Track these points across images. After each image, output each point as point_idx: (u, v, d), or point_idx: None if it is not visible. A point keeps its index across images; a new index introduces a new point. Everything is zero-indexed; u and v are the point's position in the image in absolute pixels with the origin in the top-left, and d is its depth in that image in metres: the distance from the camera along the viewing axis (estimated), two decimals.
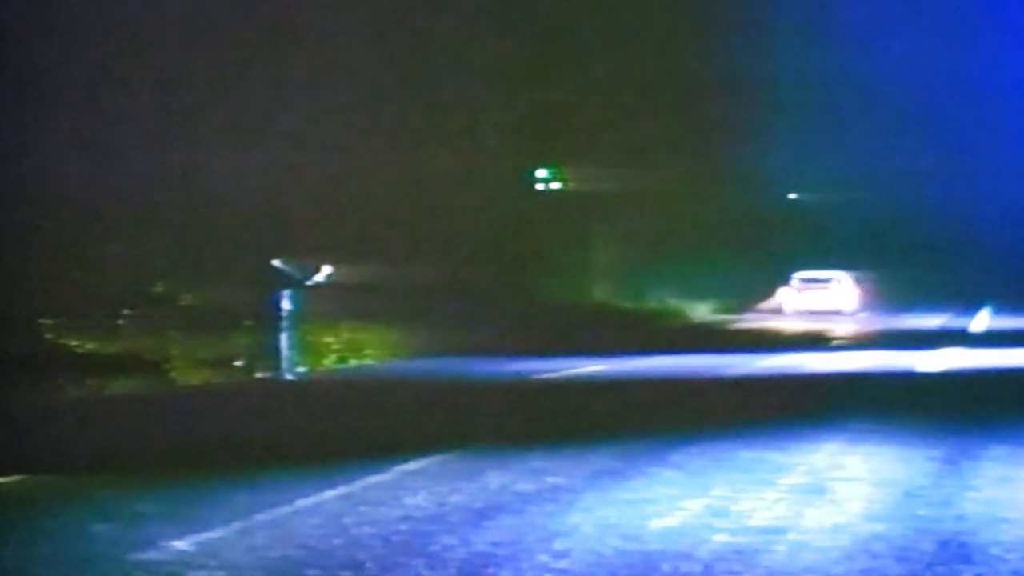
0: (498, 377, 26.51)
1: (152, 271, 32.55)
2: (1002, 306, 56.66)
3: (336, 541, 10.31)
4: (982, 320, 50.40)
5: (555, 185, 57.71)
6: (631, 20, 58.22)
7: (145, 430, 18.87)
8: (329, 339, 31.54)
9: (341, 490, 12.58)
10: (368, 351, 32.14)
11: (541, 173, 56.92)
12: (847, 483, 12.88)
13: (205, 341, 28.77)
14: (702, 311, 55.63)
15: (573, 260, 54.93)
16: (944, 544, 10.06)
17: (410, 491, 12.44)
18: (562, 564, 9.48)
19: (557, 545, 10.05)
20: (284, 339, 27.03)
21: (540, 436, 16.78)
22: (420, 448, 15.16)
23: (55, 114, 31.90)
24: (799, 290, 58.96)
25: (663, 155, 60.42)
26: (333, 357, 30.97)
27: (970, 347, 34.63)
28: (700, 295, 56.60)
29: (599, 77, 56.99)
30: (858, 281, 60.95)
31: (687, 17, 60.58)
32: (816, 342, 38.24)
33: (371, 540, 10.34)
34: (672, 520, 11.02)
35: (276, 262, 27.27)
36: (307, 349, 29.05)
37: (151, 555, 9.88)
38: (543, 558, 9.64)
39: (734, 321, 52.46)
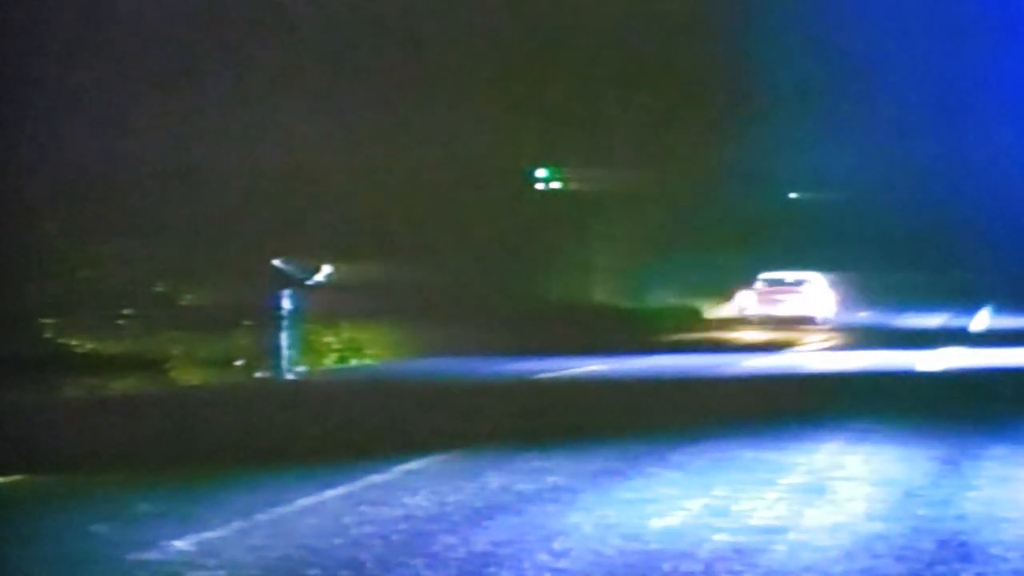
0: (498, 377, 26.51)
1: (152, 271, 32.54)
2: (1002, 306, 56.65)
3: (336, 541, 10.32)
4: (982, 320, 50.40)
5: (555, 185, 57.69)
6: (631, 20, 58.22)
7: (145, 430, 18.87)
8: (329, 339, 31.55)
9: (341, 490, 12.58)
10: (368, 351, 32.15)
11: (541, 173, 56.91)
12: (847, 483, 12.89)
13: (205, 341, 28.77)
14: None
15: (573, 260, 54.92)
16: (944, 544, 10.06)
17: (410, 491, 12.44)
18: (562, 564, 9.48)
19: (557, 545, 10.06)
20: (284, 339, 27.03)
21: (540, 436, 16.78)
22: (420, 448, 15.16)
23: (55, 114, 31.89)
24: (761, 293, 52.09)
25: (663, 155, 60.40)
26: (333, 357, 30.98)
27: (970, 347, 34.63)
28: (699, 295, 56.59)
29: (599, 77, 56.97)
30: (833, 283, 54.67)
31: (687, 17, 60.58)
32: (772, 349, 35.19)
33: (371, 540, 10.34)
34: (672, 520, 11.02)
35: (276, 262, 27.25)
36: (307, 349, 29.06)
37: (151, 555, 9.88)
38: (543, 558, 9.64)
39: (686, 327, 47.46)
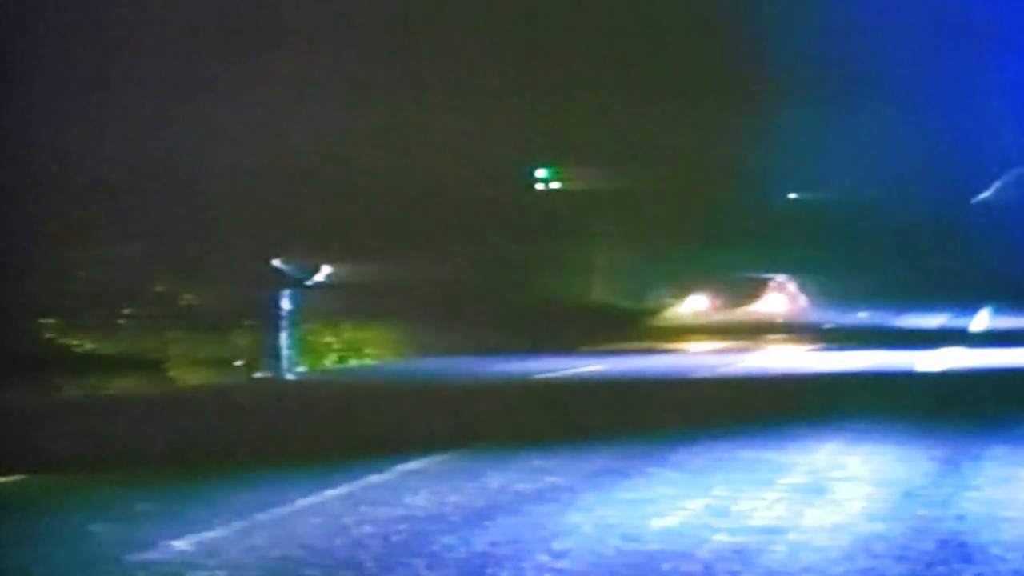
0: (498, 377, 26.50)
1: (152, 271, 32.55)
2: (1002, 306, 56.62)
3: (336, 541, 10.32)
4: (982, 320, 50.39)
5: (555, 185, 57.71)
6: (632, 20, 58.23)
7: (145, 430, 18.87)
8: (329, 339, 31.57)
9: (341, 490, 12.58)
10: (368, 351, 32.16)
11: (541, 173, 56.93)
12: (847, 483, 12.88)
13: (205, 341, 28.79)
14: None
15: (573, 260, 54.92)
16: (944, 544, 10.05)
17: (410, 491, 12.44)
18: (562, 564, 9.48)
19: (557, 545, 10.05)
20: (284, 339, 27.04)
21: (540, 436, 16.78)
22: (420, 448, 15.16)
23: (55, 114, 31.89)
24: (717, 295, 47.64)
25: (663, 155, 60.40)
26: (333, 357, 30.99)
27: (970, 347, 34.62)
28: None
29: (599, 77, 56.97)
30: (803, 284, 50.09)
31: (688, 17, 60.58)
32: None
33: (371, 540, 10.34)
34: (672, 520, 11.02)
35: (276, 262, 27.27)
36: (307, 349, 29.07)
37: (151, 555, 9.88)
38: (543, 558, 9.64)
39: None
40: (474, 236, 46.50)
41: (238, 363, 27.75)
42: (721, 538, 10.27)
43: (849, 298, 59.54)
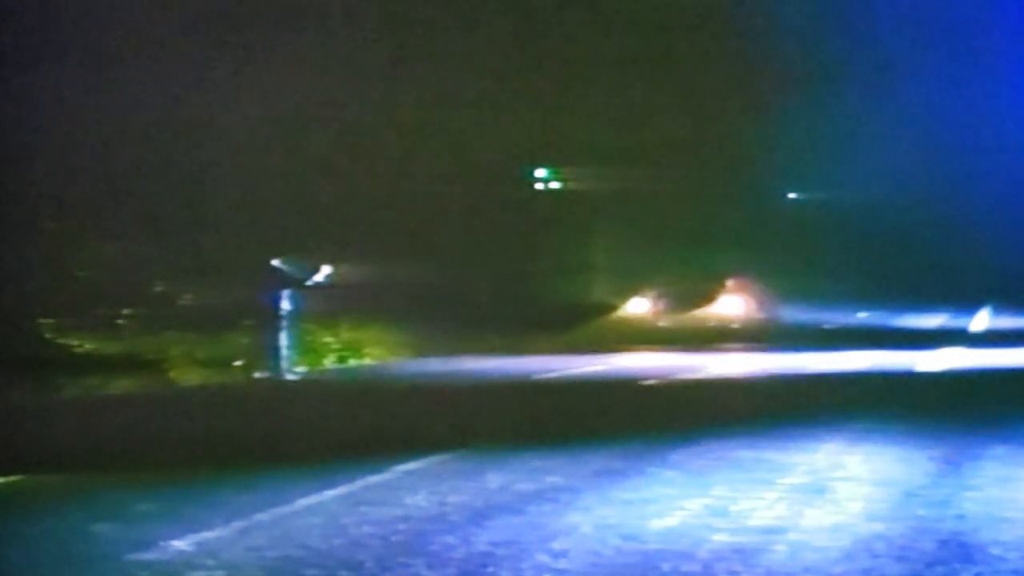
0: (498, 377, 26.50)
1: (152, 271, 32.55)
2: (1002, 306, 56.61)
3: (336, 541, 10.31)
4: (982, 320, 50.37)
5: (555, 185, 57.69)
6: (632, 20, 58.21)
7: (145, 430, 18.87)
8: (329, 339, 31.57)
9: (341, 490, 12.58)
10: (368, 351, 32.17)
11: (541, 173, 56.91)
12: (847, 483, 12.88)
13: (205, 341, 28.79)
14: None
15: (573, 260, 54.88)
16: (944, 544, 10.05)
17: (410, 491, 12.44)
18: (561, 564, 9.48)
19: (556, 545, 10.05)
20: (284, 339, 27.04)
21: (540, 436, 16.79)
22: (420, 448, 15.16)
23: (55, 113, 31.89)
24: (664, 298, 42.75)
25: (663, 155, 60.37)
26: (333, 357, 30.99)
27: (970, 347, 34.62)
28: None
29: (599, 77, 56.95)
30: (764, 285, 45.04)
31: (688, 16, 60.57)
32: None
33: (371, 540, 10.34)
34: (672, 520, 11.01)
35: (276, 262, 27.27)
36: (307, 349, 29.07)
37: (151, 555, 9.88)
38: (542, 558, 9.64)
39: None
40: (474, 236, 46.48)
41: (238, 363, 27.75)
42: (721, 538, 10.27)
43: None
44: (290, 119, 39.74)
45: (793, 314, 50.53)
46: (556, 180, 57.66)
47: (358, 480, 13.09)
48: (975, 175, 73.42)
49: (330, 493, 12.41)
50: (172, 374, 26.51)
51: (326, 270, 27.70)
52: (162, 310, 31.02)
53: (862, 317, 54.04)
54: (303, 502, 11.95)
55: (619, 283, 54.98)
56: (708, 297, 43.51)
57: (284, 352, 27.04)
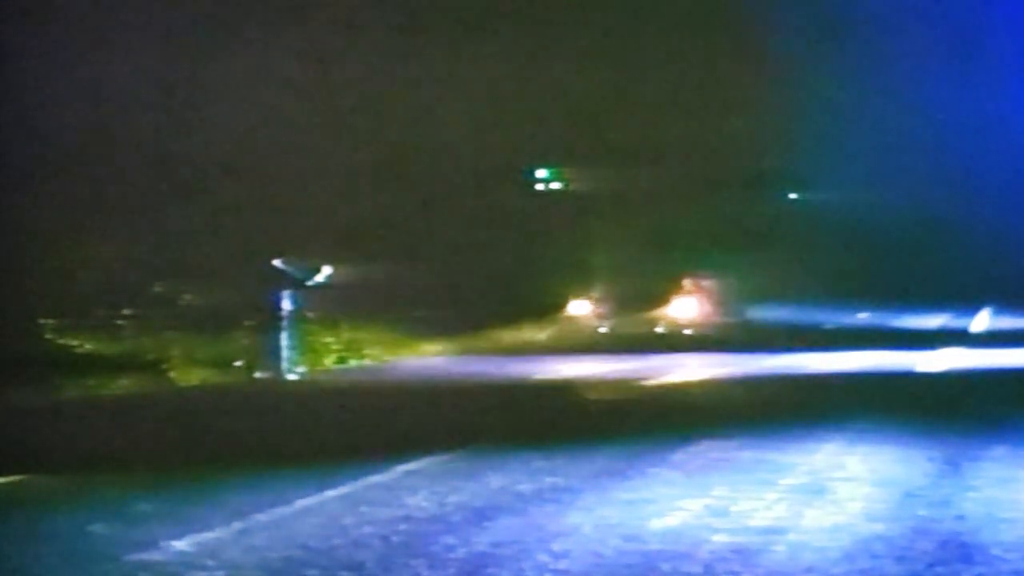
0: (498, 377, 26.49)
1: (152, 271, 32.56)
2: (1002, 307, 56.60)
3: (336, 541, 10.31)
4: (982, 321, 50.37)
5: (555, 185, 57.69)
6: (632, 20, 58.22)
7: (145, 430, 18.87)
8: (329, 339, 31.57)
9: (341, 490, 12.58)
10: (368, 351, 32.17)
11: (541, 173, 56.91)
12: (847, 483, 12.88)
13: (205, 341, 28.80)
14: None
15: (573, 260, 54.87)
16: (944, 544, 10.05)
17: (410, 491, 12.43)
18: (562, 564, 9.48)
19: (557, 545, 10.05)
20: (284, 339, 27.04)
21: (540, 436, 16.78)
22: (420, 448, 15.16)
23: (55, 113, 31.89)
24: (607, 299, 38.56)
25: (663, 155, 60.37)
26: (333, 357, 30.99)
27: (970, 347, 34.62)
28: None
29: (599, 77, 56.95)
30: (717, 287, 41.02)
31: (689, 16, 60.57)
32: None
33: (371, 540, 10.34)
34: (672, 520, 11.01)
35: (277, 262, 27.28)
36: (307, 349, 29.06)
37: (151, 555, 9.88)
38: (543, 558, 9.64)
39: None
40: (474, 236, 46.48)
41: (238, 363, 27.76)
42: (721, 538, 10.27)
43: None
44: (290, 119, 39.75)
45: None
46: (556, 180, 57.66)
47: (358, 480, 13.09)
48: (975, 175, 73.44)
49: (330, 493, 12.41)
50: (172, 374, 26.52)
51: (327, 271, 27.68)
52: (162, 310, 31.04)
53: (862, 317, 54.05)
54: (303, 502, 11.95)
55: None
56: (659, 298, 38.61)
57: (284, 352, 27.04)
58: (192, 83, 36.78)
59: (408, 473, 13.67)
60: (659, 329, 36.46)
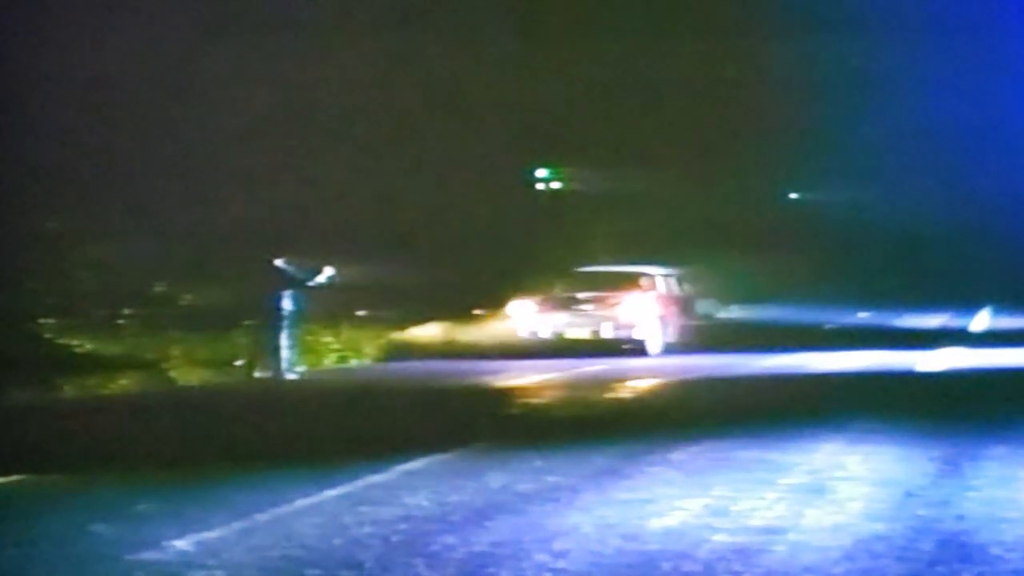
0: (498, 377, 26.48)
1: (152, 271, 32.57)
2: (1002, 307, 56.60)
3: (336, 541, 10.32)
4: (982, 320, 50.36)
5: (555, 185, 57.72)
6: (632, 20, 58.23)
7: (145, 430, 18.88)
8: (329, 339, 31.58)
9: (341, 490, 12.58)
10: (368, 351, 32.18)
11: (541, 173, 56.94)
12: (847, 483, 12.88)
13: (205, 341, 28.82)
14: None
15: (573, 260, 54.86)
16: (944, 544, 10.05)
17: (410, 491, 12.44)
18: (561, 564, 9.48)
19: (557, 545, 10.05)
20: (284, 339, 27.05)
21: (540, 436, 16.78)
22: (420, 448, 15.16)
23: (55, 113, 31.91)
24: (548, 303, 32.88)
25: (663, 155, 60.40)
26: (333, 357, 31.01)
27: (970, 347, 34.61)
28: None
29: (599, 77, 56.98)
30: (682, 285, 35.72)
31: (688, 17, 60.58)
32: None
33: (371, 540, 10.34)
34: (672, 520, 11.01)
35: (278, 262, 27.29)
36: (307, 349, 29.08)
37: (151, 555, 9.88)
38: (543, 558, 9.64)
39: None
40: (474, 236, 46.49)
41: (238, 363, 27.77)
42: (721, 538, 10.27)
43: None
44: (291, 118, 39.78)
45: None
46: (556, 180, 57.69)
47: (358, 480, 13.09)
48: (975, 174, 73.48)
49: (330, 493, 12.41)
50: (172, 374, 26.53)
51: (328, 271, 27.66)
52: (162, 310, 31.05)
53: (862, 317, 54.04)
54: (303, 502, 11.95)
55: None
56: (611, 302, 32.69)
57: (284, 352, 27.06)
58: (192, 82, 36.80)
59: (408, 473, 13.67)
60: (605, 333, 31.97)
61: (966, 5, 66.26)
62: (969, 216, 74.34)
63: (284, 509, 11.64)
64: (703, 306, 37.83)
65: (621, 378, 25.47)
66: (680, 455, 14.70)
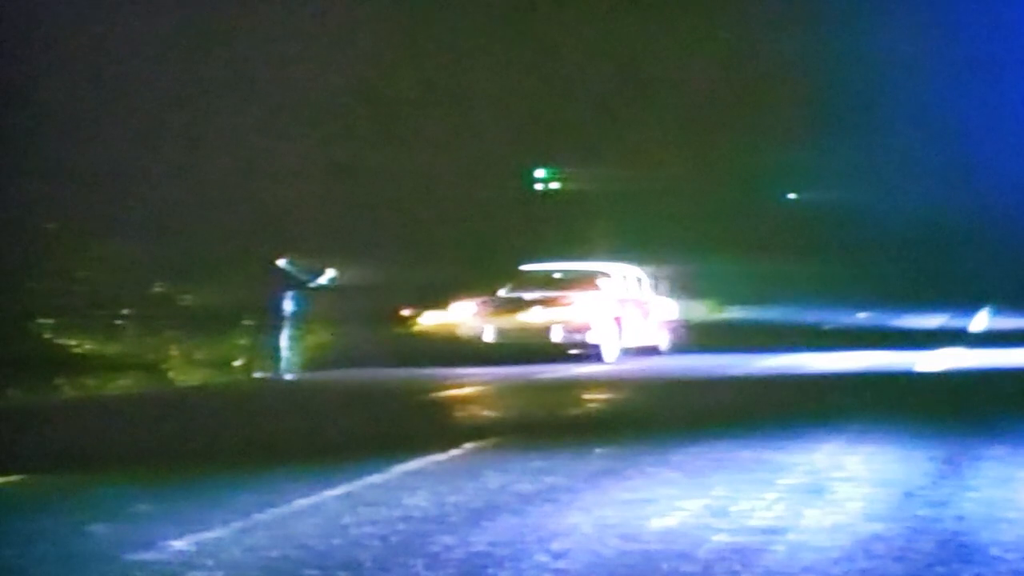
0: (498, 377, 26.47)
1: (152, 271, 32.57)
2: (1001, 306, 56.62)
3: (335, 541, 10.31)
4: (981, 320, 50.36)
5: (555, 185, 57.75)
6: (631, 20, 58.25)
7: (145, 430, 18.87)
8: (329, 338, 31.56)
9: (341, 490, 12.57)
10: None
11: (541, 173, 56.97)
12: (847, 483, 12.87)
13: (204, 341, 28.81)
14: (699, 310, 55.47)
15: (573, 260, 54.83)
16: (944, 544, 10.04)
17: (410, 491, 12.43)
18: (561, 564, 9.47)
19: (556, 545, 10.05)
20: (284, 339, 27.06)
21: (540, 436, 16.78)
22: (419, 448, 15.15)
23: (54, 113, 31.91)
24: (492, 303, 30.63)
25: (663, 155, 60.41)
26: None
27: (970, 347, 34.61)
28: (698, 294, 56.47)
29: (599, 77, 57.00)
30: (653, 284, 33.46)
31: (688, 16, 60.60)
32: None
33: (370, 540, 10.33)
34: (671, 520, 11.01)
35: (280, 262, 27.29)
36: (307, 349, 29.05)
37: (150, 555, 9.88)
38: (542, 558, 9.63)
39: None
40: (473, 236, 46.49)
41: (237, 363, 27.77)
42: (721, 538, 10.26)
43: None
44: (291, 118, 39.76)
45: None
46: (556, 180, 57.71)
47: (357, 480, 13.09)
48: (975, 175, 73.50)
49: (330, 493, 12.41)
50: (172, 374, 26.53)
51: (331, 272, 27.65)
52: (162, 310, 31.04)
53: (862, 317, 54.06)
54: (303, 502, 11.94)
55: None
56: (563, 302, 29.92)
57: (284, 352, 27.06)
58: (192, 81, 36.79)
59: (408, 473, 13.66)
60: (554, 337, 29.30)
61: (968, 5, 66.28)
62: (969, 216, 74.38)
63: (283, 509, 11.63)
64: (688, 309, 35.81)
65: (555, 387, 25.32)
66: (680, 455, 14.68)
